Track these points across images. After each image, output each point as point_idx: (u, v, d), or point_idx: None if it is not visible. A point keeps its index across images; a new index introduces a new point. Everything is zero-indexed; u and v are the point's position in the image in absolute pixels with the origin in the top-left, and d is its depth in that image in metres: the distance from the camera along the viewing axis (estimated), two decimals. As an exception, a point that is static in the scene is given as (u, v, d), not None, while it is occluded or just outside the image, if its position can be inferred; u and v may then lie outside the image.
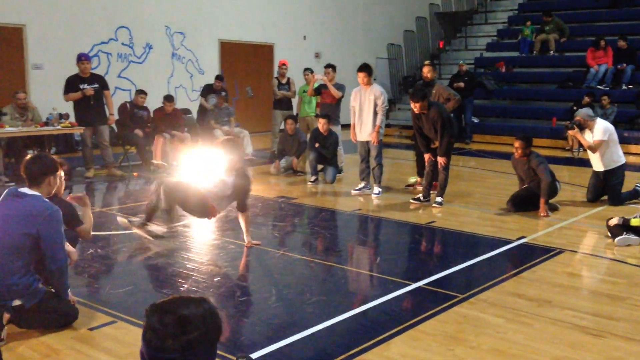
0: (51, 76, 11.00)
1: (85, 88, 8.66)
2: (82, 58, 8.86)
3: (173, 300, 1.67)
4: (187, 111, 12.29)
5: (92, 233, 4.47)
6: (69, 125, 8.93)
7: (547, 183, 6.73)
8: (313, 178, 8.68)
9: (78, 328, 3.67)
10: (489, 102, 15.73)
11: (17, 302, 3.42)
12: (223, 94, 11.14)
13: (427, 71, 8.15)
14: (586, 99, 12.78)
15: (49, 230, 3.43)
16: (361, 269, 5.22)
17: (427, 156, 7.35)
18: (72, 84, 8.72)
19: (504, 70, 16.05)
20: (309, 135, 9.21)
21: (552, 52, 15.89)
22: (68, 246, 3.92)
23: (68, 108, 9.33)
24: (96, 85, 8.81)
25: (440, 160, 7.14)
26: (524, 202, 6.97)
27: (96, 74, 9.25)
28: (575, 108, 13.09)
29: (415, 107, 7.03)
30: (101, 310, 3.97)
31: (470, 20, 19.33)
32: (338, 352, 3.43)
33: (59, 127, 8.81)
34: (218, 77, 11.43)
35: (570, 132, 7.74)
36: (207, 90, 11.38)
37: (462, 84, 13.44)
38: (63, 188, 4.21)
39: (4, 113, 8.61)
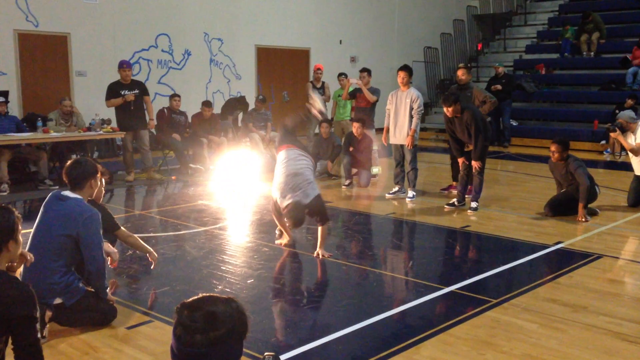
0: (94, 83, 11.34)
1: (126, 94, 8.90)
2: (123, 65, 9.10)
3: (203, 298, 1.74)
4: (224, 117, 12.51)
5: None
6: (111, 130, 9.18)
7: (586, 187, 6.60)
8: (347, 182, 8.72)
9: (116, 327, 3.79)
10: (529, 104, 15.50)
11: (58, 301, 3.56)
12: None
13: (461, 74, 8.09)
14: (629, 102, 12.49)
15: (87, 233, 3.56)
16: (394, 272, 5.23)
17: (460, 160, 7.30)
18: (113, 90, 8.97)
19: (543, 72, 15.80)
20: (343, 139, 9.26)
21: (592, 53, 15.56)
22: (109, 246, 4.05)
23: (110, 114, 9.59)
24: (136, 91, 9.04)
25: (475, 164, 7.08)
26: (562, 207, 6.86)
27: (136, 80, 9.49)
28: (617, 111, 12.81)
29: (447, 111, 6.99)
30: (138, 309, 4.09)
31: (509, 22, 19.08)
32: (368, 355, 3.45)
33: (101, 132, 9.07)
34: (242, 101, 11.69)
35: (612, 134, 7.60)
36: (231, 105, 11.58)
37: (499, 87, 13.30)
38: (103, 194, 4.36)
39: (50, 119, 8.92)
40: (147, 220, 6.79)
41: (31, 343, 2.48)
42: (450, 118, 7.11)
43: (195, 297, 1.72)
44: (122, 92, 8.92)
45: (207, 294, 1.74)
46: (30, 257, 2.97)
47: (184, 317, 1.68)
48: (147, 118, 9.33)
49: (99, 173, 3.84)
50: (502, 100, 13.42)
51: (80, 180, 3.69)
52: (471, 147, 7.10)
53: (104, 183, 4.28)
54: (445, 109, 7.03)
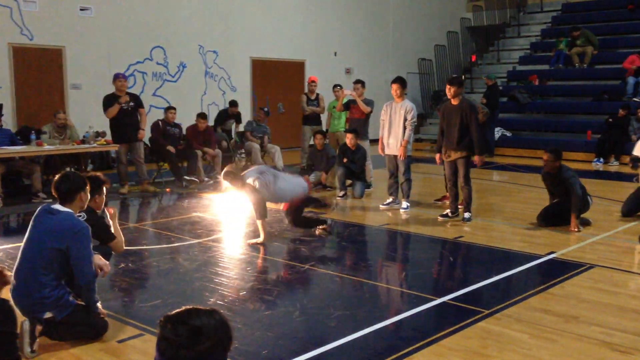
0: (88, 95, 11.37)
1: (120, 100, 8.87)
2: (119, 76, 9.14)
3: (186, 311, 1.73)
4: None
5: (125, 247, 4.62)
6: (105, 143, 9.19)
7: (578, 197, 6.62)
8: (342, 193, 8.73)
9: (107, 340, 3.77)
10: (522, 115, 15.59)
11: (48, 315, 3.55)
12: (264, 113, 11.44)
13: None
14: (621, 112, 12.58)
15: (77, 247, 3.56)
16: (387, 283, 5.23)
17: (437, 157, 7.31)
18: (109, 102, 8.98)
19: (537, 83, 15.90)
20: (337, 151, 9.28)
21: (585, 65, 15.68)
22: (100, 258, 4.04)
23: (104, 126, 9.58)
24: (132, 104, 9.06)
25: (477, 159, 7.07)
26: (555, 217, 6.87)
27: (131, 93, 9.51)
28: (610, 120, 12.90)
29: (449, 90, 7.04)
30: (130, 323, 4.07)
31: (503, 33, 19.22)
32: (359, 367, 3.44)
33: (94, 144, 9.08)
34: (233, 103, 11.67)
35: (635, 170, 7.54)
36: (223, 117, 11.60)
37: (484, 100, 13.64)
38: (103, 204, 4.38)
39: (43, 132, 8.92)
40: (140, 233, 6.78)
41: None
42: (447, 110, 7.11)
43: (178, 310, 1.72)
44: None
45: (190, 307, 1.74)
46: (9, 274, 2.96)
47: (168, 332, 1.68)
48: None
49: (88, 185, 3.84)
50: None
51: (70, 193, 3.69)
52: (453, 157, 7.10)
53: (104, 191, 4.31)
54: (447, 89, 7.09)
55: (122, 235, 4.43)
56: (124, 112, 8.97)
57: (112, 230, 4.37)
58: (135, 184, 9.48)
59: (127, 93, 9.21)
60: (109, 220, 4.40)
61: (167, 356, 1.68)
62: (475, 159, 7.09)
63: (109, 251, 4.51)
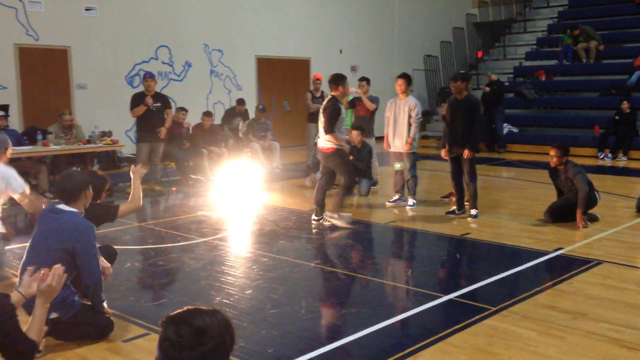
0: (94, 95, 11.39)
1: (145, 100, 8.85)
2: (146, 76, 9.12)
3: (188, 311, 1.72)
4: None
5: (129, 247, 4.63)
6: (110, 142, 9.20)
7: (585, 193, 6.57)
8: (348, 191, 8.69)
9: (112, 340, 3.77)
10: (529, 111, 15.50)
11: (54, 315, 3.54)
12: (266, 112, 11.37)
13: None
14: (624, 105, 12.53)
15: (83, 247, 3.55)
16: (393, 281, 5.21)
17: (443, 152, 7.29)
18: (137, 100, 8.97)
19: (543, 79, 15.80)
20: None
21: (592, 60, 15.57)
22: (103, 261, 4.05)
23: (110, 126, 9.56)
24: (159, 104, 9.03)
25: (467, 153, 6.95)
26: (562, 213, 6.83)
27: (160, 93, 9.43)
28: (617, 118, 12.82)
29: (453, 86, 7.06)
30: (135, 322, 4.07)
31: (509, 29, 19.12)
32: (365, 365, 3.43)
33: (100, 144, 9.09)
34: (240, 102, 11.65)
35: None
36: (230, 115, 11.58)
37: (487, 88, 13.65)
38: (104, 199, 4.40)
39: (49, 132, 8.95)
40: (146, 232, 6.79)
41: (19, 352, 2.47)
42: (452, 105, 7.10)
43: (181, 311, 1.71)
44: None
45: (192, 307, 1.73)
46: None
47: (170, 333, 1.66)
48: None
49: (91, 184, 3.83)
50: (492, 107, 13.64)
51: (74, 193, 3.68)
52: (456, 153, 7.06)
53: (105, 189, 4.34)
54: (451, 85, 7.12)
55: (140, 192, 4.51)
56: (150, 112, 8.96)
57: (133, 188, 4.46)
58: (141, 183, 9.46)
59: (156, 93, 9.16)
60: (132, 175, 4.50)
61: (170, 357, 1.66)
62: (465, 152, 7.00)
63: (114, 252, 4.52)
